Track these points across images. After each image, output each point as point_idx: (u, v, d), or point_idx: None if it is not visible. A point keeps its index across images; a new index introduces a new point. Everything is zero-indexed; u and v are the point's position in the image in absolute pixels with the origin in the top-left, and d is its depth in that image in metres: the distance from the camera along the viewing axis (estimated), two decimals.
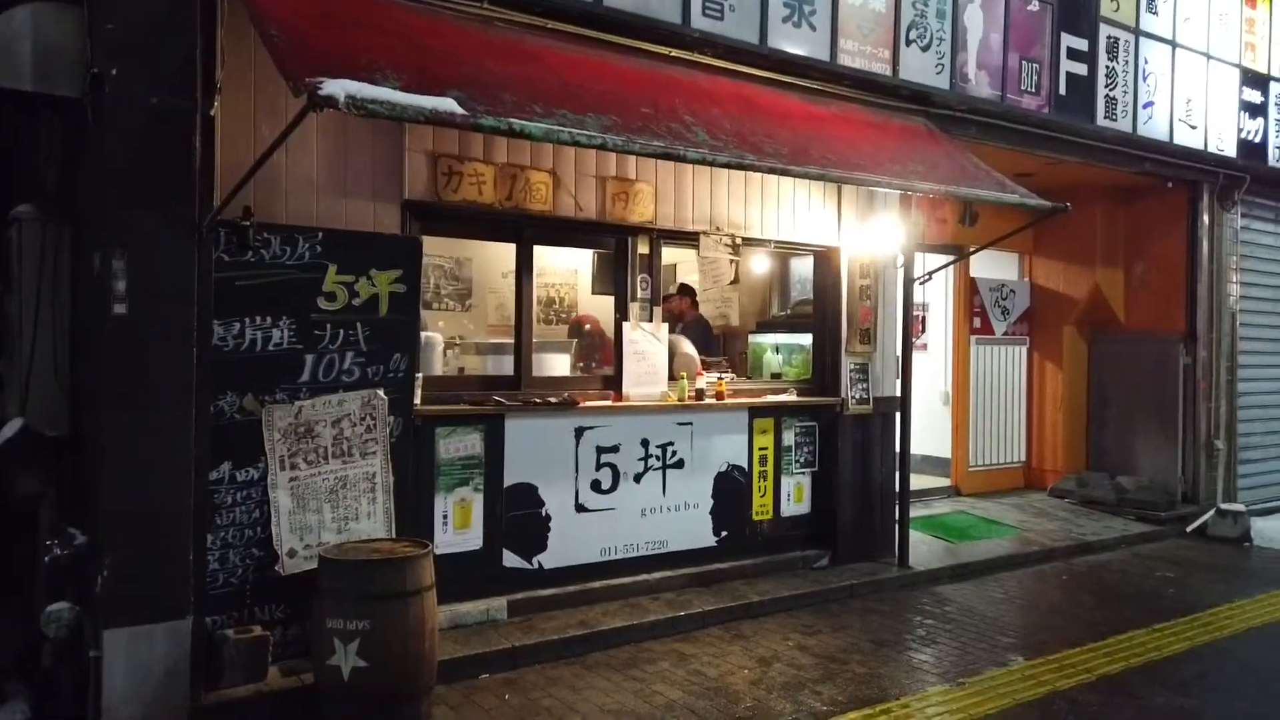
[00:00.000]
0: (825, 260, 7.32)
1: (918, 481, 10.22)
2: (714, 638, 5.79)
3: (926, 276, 7.32)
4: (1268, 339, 10.70)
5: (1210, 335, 9.98)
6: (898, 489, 7.34)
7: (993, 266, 10.70)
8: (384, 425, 4.99)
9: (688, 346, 6.92)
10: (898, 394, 7.37)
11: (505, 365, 5.93)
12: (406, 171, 5.26)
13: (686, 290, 8.31)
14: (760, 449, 6.93)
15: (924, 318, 10.09)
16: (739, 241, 6.63)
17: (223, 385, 4.56)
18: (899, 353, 7.42)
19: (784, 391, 7.10)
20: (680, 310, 8.20)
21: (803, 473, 7.17)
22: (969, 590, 7.05)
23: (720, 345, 8.79)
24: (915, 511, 8.85)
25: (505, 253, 9.04)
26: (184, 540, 4.28)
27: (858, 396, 7.26)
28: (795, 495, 7.14)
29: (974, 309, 10.31)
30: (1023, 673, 5.33)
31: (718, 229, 6.55)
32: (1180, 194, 9.98)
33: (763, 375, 7.79)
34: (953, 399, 10.28)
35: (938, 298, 10.59)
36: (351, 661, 4.24)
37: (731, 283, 7.96)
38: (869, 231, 7.23)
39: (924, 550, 7.72)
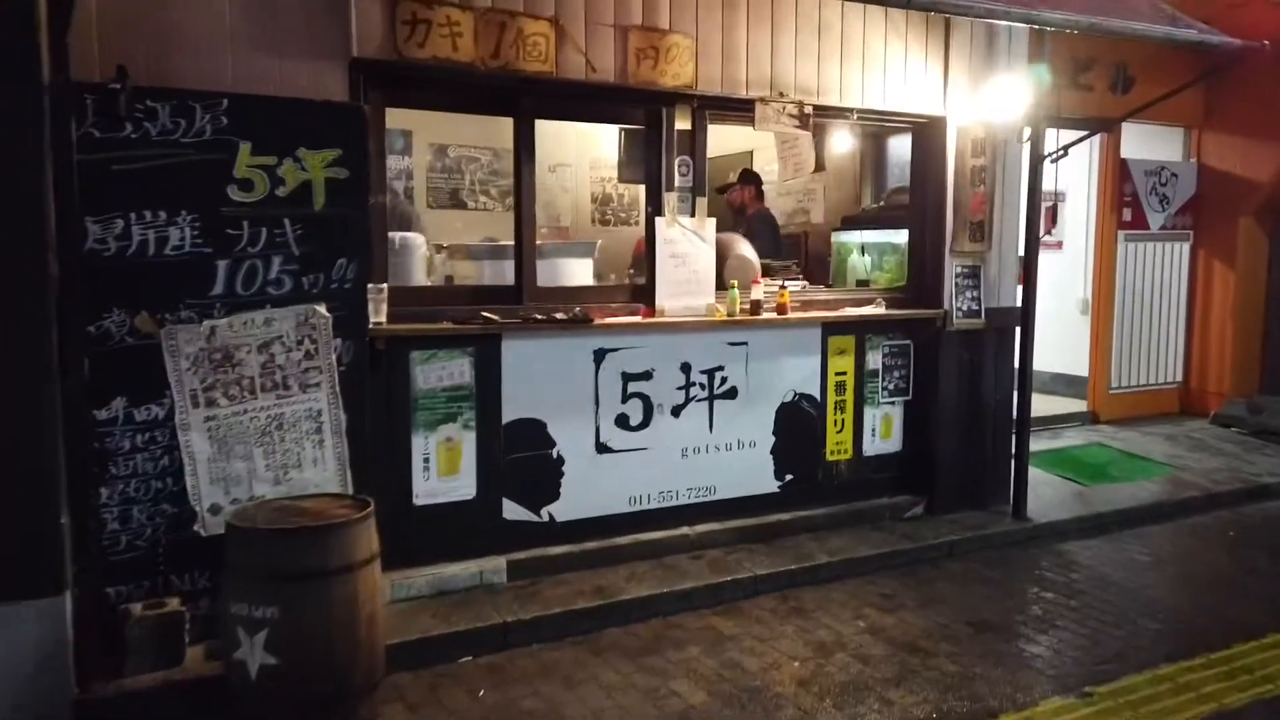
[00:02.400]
0: (927, 135, 5.76)
1: (1045, 405, 8.71)
2: (765, 611, 4.63)
3: (1061, 152, 5.67)
4: None
5: None
6: (1015, 422, 5.88)
7: (1149, 145, 8.75)
8: (328, 349, 3.93)
9: (744, 248, 5.58)
10: (1018, 304, 5.84)
11: (506, 273, 4.76)
12: (354, 19, 4.05)
13: (750, 177, 6.89)
14: (837, 374, 5.59)
15: (1057, 209, 8.31)
16: (809, 111, 5.17)
17: (105, 300, 3.56)
18: (1021, 252, 5.85)
19: (869, 303, 5.68)
20: (742, 203, 6.81)
21: (892, 402, 5.81)
22: (1103, 550, 5.61)
23: (802, 247, 7.38)
24: (1039, 444, 7.39)
25: (552, 141, 7.97)
26: (53, 496, 3.36)
27: (965, 308, 5.78)
28: (882, 430, 5.80)
29: (1123, 198, 8.45)
30: (1174, 679, 3.96)
31: (781, 94, 5.10)
32: None
33: (846, 283, 6.38)
34: (1093, 307, 8.55)
35: (1077, 185, 8.76)
36: (259, 658, 3.28)
37: (816, 170, 6.56)
38: (986, 97, 5.61)
39: (1047, 495, 6.28)
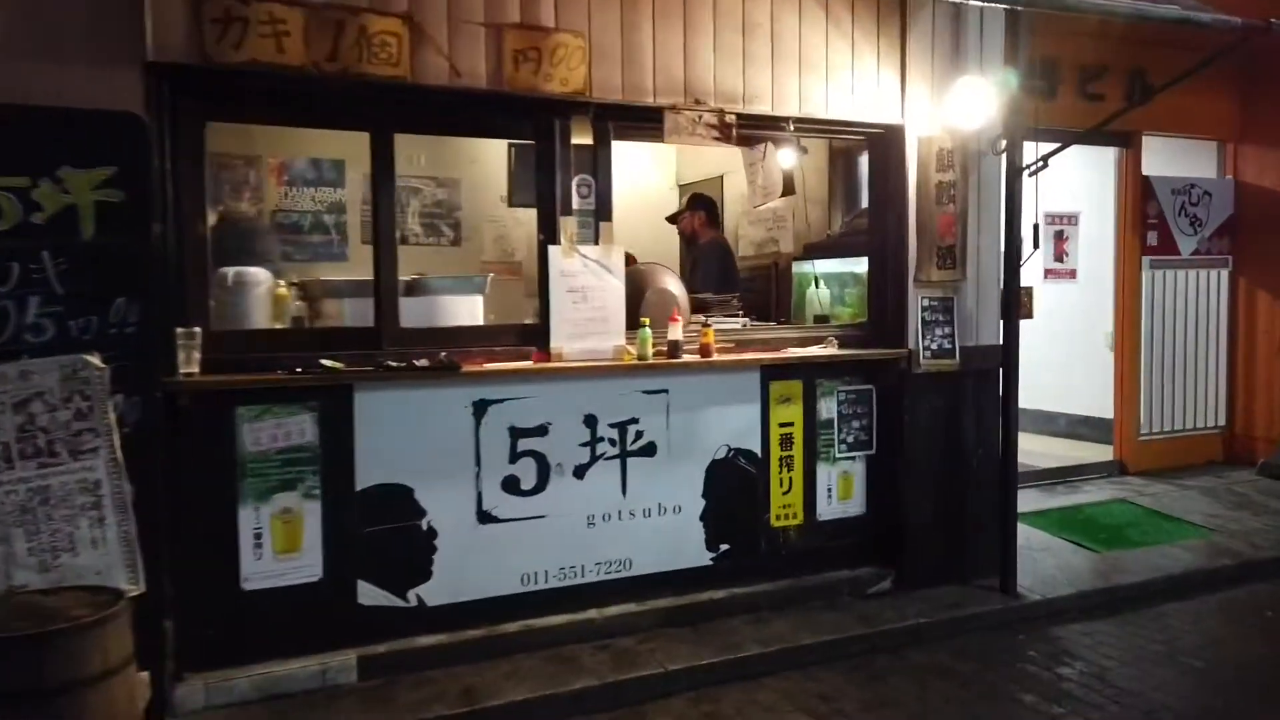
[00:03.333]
0: (882, 147, 4.97)
1: (1066, 453, 7.77)
2: (671, 718, 3.80)
3: (1039, 163, 4.82)
4: None
5: None
6: (1000, 479, 4.98)
7: (1176, 160, 7.81)
8: (104, 408, 3.27)
9: (667, 280, 4.82)
10: (1000, 341, 4.97)
11: (369, 313, 4.07)
12: (149, 15, 3.43)
13: (700, 203, 6.16)
14: (782, 425, 4.78)
15: (1065, 234, 7.40)
16: (731, 120, 4.42)
17: None
18: (1002, 280, 5.00)
19: (819, 341, 4.87)
20: (692, 231, 6.07)
21: (852, 457, 4.96)
22: (1108, 635, 4.65)
23: (772, 280, 6.60)
24: (1052, 501, 6.47)
25: (504, 169, 7.36)
26: None
27: (935, 346, 4.93)
28: (840, 490, 4.95)
29: (1147, 220, 7.51)
30: None
31: (697, 102, 4.37)
32: None
33: (807, 319, 5.58)
34: (1117, 342, 7.58)
35: (1092, 206, 7.84)
36: None
37: (785, 194, 5.81)
38: (952, 103, 4.81)
39: (1048, 565, 5.34)
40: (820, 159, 6.40)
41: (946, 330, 4.96)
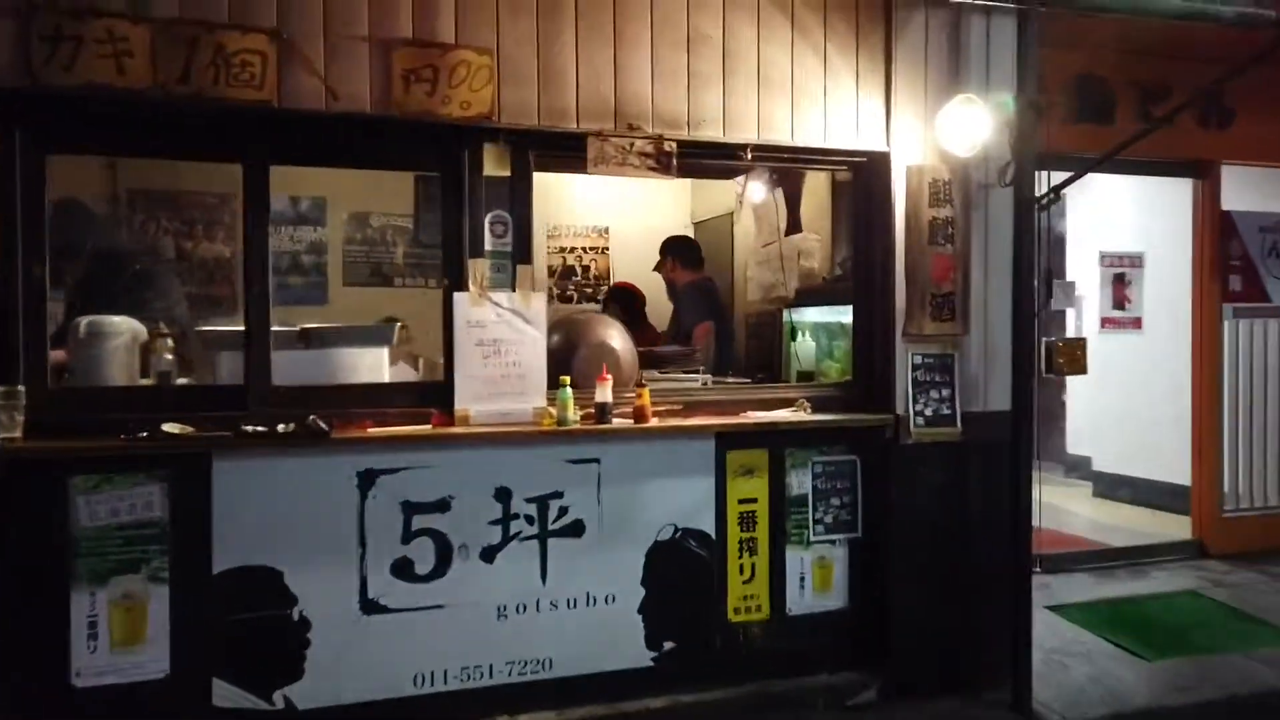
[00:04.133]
0: (865, 178, 4.27)
1: (1139, 524, 6.81)
2: None
3: (1051, 195, 4.02)
4: None
5: None
6: (1013, 571, 4.14)
7: (1266, 193, 6.78)
8: None
9: (608, 333, 4.20)
10: (1010, 407, 4.16)
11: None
12: None
13: (673, 247, 5.54)
14: (743, 502, 4.07)
15: (1127, 278, 6.44)
16: (671, 149, 3.81)
17: None
18: (1011, 334, 4.19)
19: (789, 404, 4.16)
20: (671, 277, 5.45)
21: (831, 541, 4.21)
22: None
23: (778, 328, 5.90)
24: (1107, 588, 5.70)
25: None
26: None
27: (930, 412, 4.16)
28: (817, 579, 4.20)
29: (1229, 262, 6.49)
30: None
31: (631, 127, 3.78)
32: None
33: (791, 375, 4.87)
34: (1193, 402, 6.55)
35: (1163, 245, 6.87)
36: None
37: (790, 232, 5.20)
38: (948, 126, 4.08)
39: (1082, 675, 4.43)
40: (823, 193, 5.71)
41: (945, 393, 4.18)
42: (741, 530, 4.07)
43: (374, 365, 3.86)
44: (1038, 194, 4.03)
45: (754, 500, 4.09)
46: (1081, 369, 6.08)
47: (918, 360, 4.15)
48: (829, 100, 4.09)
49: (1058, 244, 8.34)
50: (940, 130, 4.07)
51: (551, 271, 7.06)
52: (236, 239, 6.19)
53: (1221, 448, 6.48)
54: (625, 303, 5.70)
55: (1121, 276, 6.41)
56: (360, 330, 4.03)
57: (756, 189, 5.82)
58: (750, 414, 4.07)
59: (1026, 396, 4.05)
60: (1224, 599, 5.52)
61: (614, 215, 7.14)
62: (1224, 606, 5.40)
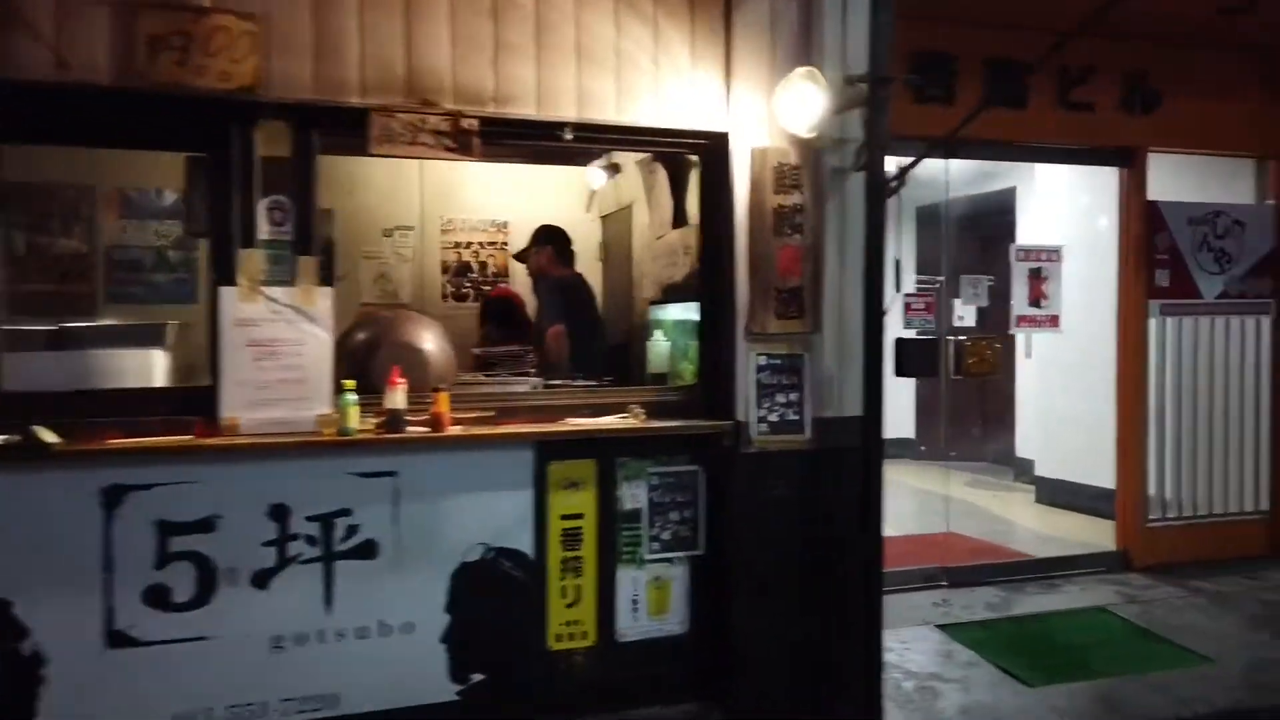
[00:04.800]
0: (707, 161, 3.88)
1: (1061, 531, 6.56)
2: None
3: (897, 178, 3.63)
4: None
5: None
6: (864, 588, 3.75)
7: (1196, 183, 6.40)
8: None
9: (416, 333, 3.81)
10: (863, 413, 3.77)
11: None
12: None
13: (549, 237, 5.13)
14: (566, 518, 3.69)
15: (1043, 273, 6.03)
16: (471, 126, 3.42)
17: None
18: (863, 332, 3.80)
19: (620, 409, 3.77)
20: (539, 270, 5.06)
21: (668, 559, 3.83)
22: None
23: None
24: (1017, 604, 5.33)
25: (385, 200, 6.56)
26: None
27: (775, 418, 3.77)
28: (652, 602, 3.81)
29: (1155, 256, 6.10)
30: None
31: (426, 101, 3.39)
32: None
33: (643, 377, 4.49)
34: (1117, 406, 6.16)
35: (1085, 240, 6.50)
36: None
37: (678, 225, 4.88)
38: (792, 103, 3.68)
39: (952, 703, 4.04)
40: None
41: (793, 397, 3.79)
42: (565, 549, 3.69)
43: (143, 368, 3.48)
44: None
45: (580, 516, 3.71)
46: (992, 369, 5.73)
47: (762, 362, 3.76)
48: (661, 75, 3.70)
49: (998, 239, 7.97)
50: (780, 108, 3.68)
51: (446, 268, 6.68)
52: (91, 233, 5.86)
53: (1147, 453, 6.10)
54: (502, 317, 5.30)
55: (1038, 272, 6.00)
56: (124, 330, 3.67)
57: (598, 175, 5.47)
58: (571, 421, 3.68)
59: (876, 399, 3.66)
60: (1133, 616, 5.13)
61: (514, 209, 6.75)
62: (1131, 625, 5.01)
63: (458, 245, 6.76)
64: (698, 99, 3.74)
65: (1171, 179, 6.24)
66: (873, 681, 3.69)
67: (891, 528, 6.57)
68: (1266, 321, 6.38)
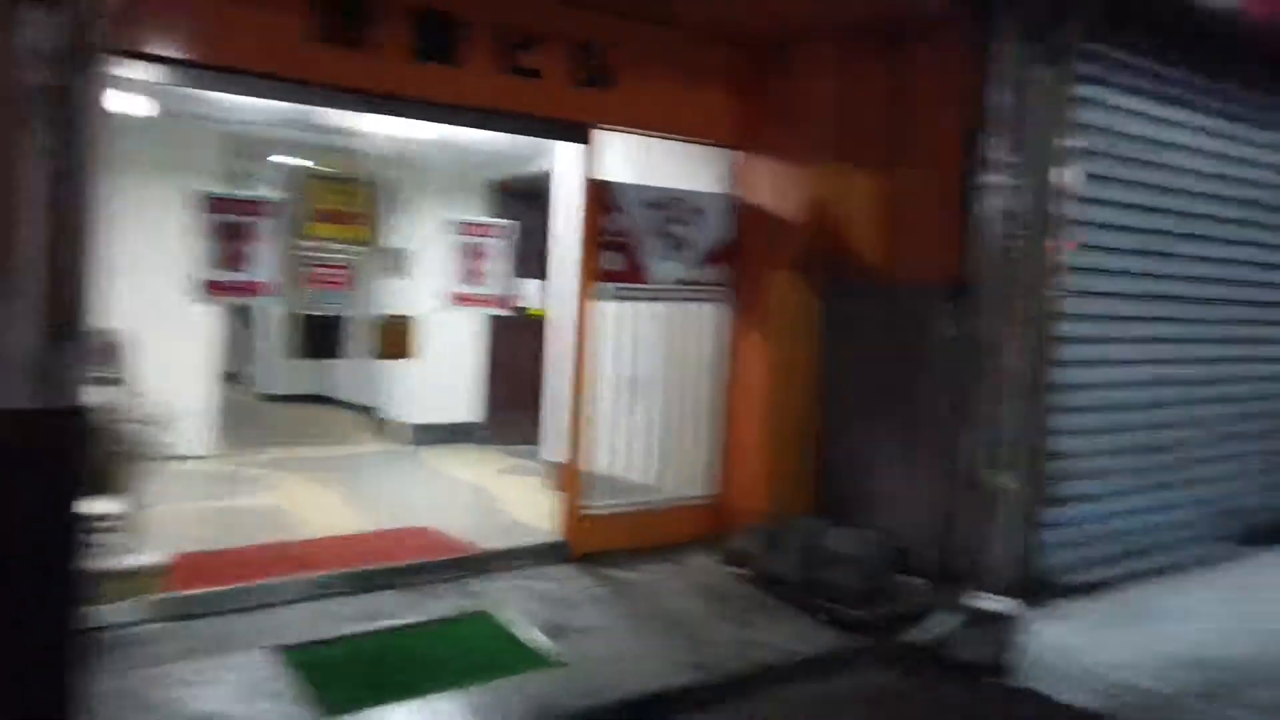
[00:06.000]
0: None
1: (532, 518, 6.17)
2: None
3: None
4: (1123, 295, 6.19)
5: (1007, 288, 5.52)
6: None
7: (661, 165, 6.30)
8: None
9: None
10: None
11: None
12: None
13: None
14: None
15: (482, 249, 5.68)
16: None
17: None
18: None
19: None
20: None
21: None
22: None
23: None
24: (403, 614, 4.70)
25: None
26: None
27: None
28: None
29: (608, 238, 5.93)
30: None
31: None
32: (958, 29, 5.52)
33: None
34: (574, 390, 5.96)
35: (572, 217, 6.25)
36: None
37: None
38: None
39: None
40: None
41: None
42: None
43: None
44: None
45: None
46: (405, 352, 5.26)
47: None
48: None
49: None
50: None
51: None
52: None
53: (595, 439, 5.96)
54: None
55: (477, 247, 5.64)
56: None
57: None
58: None
59: None
60: (517, 617, 4.87)
61: None
62: (503, 630, 4.74)
63: None
64: None
65: (633, 159, 6.11)
66: None
67: (372, 522, 6.06)
68: (720, 308, 6.45)
